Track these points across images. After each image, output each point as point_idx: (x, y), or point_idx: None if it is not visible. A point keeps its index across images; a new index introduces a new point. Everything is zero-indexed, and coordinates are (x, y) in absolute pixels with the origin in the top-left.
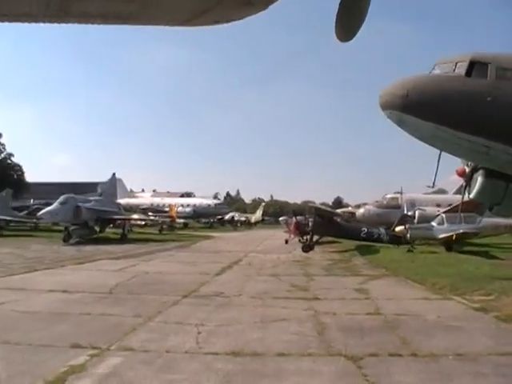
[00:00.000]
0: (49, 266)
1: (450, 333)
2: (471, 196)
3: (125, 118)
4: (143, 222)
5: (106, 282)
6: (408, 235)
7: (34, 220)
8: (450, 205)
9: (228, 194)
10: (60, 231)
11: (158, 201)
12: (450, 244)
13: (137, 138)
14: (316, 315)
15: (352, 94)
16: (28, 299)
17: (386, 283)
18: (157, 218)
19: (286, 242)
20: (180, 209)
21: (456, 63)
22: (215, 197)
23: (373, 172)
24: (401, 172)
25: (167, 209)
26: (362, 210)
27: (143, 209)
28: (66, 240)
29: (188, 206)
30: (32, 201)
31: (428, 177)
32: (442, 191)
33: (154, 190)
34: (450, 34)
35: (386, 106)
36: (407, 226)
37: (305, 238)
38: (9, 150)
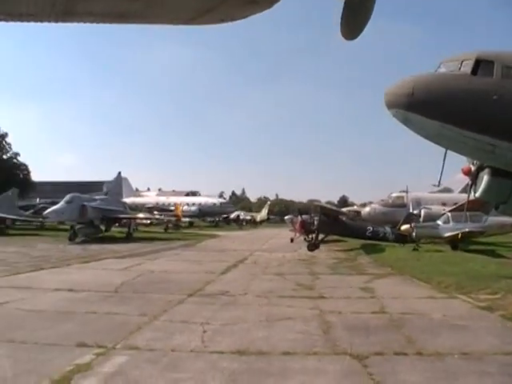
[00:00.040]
0: (55, 264)
1: (455, 332)
2: (477, 195)
3: (130, 118)
4: (149, 221)
5: (112, 281)
6: (414, 234)
7: (40, 219)
8: (455, 203)
9: (233, 193)
10: (66, 230)
11: (163, 200)
12: (455, 243)
13: (142, 137)
14: (321, 314)
15: (357, 93)
16: (34, 298)
17: (391, 282)
18: (162, 216)
19: (292, 240)
20: (185, 208)
21: (462, 61)
22: (220, 196)
23: (378, 171)
24: (406, 171)
25: (172, 208)
26: (367, 209)
27: (149, 208)
28: (71, 239)
29: (193, 204)
30: (38, 200)
31: (434, 175)
32: (447, 190)
33: (159, 189)
34: (451, 33)
35: (392, 105)
36: (413, 225)
37: (310, 236)
38: (15, 149)
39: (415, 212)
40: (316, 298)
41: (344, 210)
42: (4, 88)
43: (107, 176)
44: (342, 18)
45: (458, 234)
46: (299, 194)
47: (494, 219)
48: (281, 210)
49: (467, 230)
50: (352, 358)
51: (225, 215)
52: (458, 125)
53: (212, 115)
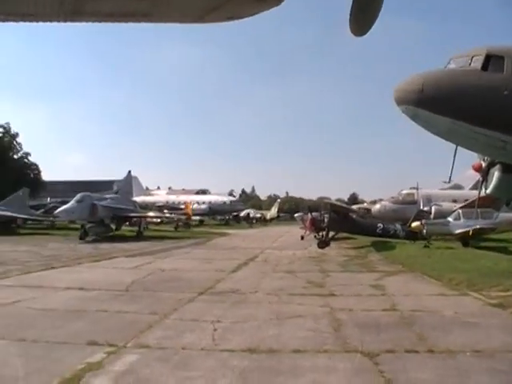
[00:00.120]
0: (65, 263)
1: (467, 329)
2: (488, 191)
3: (139, 117)
4: (159, 220)
5: (122, 280)
6: (424, 231)
7: (51, 218)
8: (466, 200)
9: (243, 191)
10: (76, 229)
11: (173, 198)
12: (466, 239)
13: (151, 136)
14: (332, 312)
15: (366, 89)
16: (45, 297)
17: (402, 279)
18: (172, 215)
19: (302, 238)
20: (195, 206)
21: (472, 57)
22: (230, 194)
23: (388, 168)
24: (417, 168)
25: (183, 206)
26: (377, 206)
27: (159, 206)
28: (82, 238)
29: (203, 203)
30: (49, 199)
31: (444, 172)
32: (458, 186)
33: (169, 188)
34: (457, 28)
35: (401, 101)
36: (423, 222)
37: (320, 234)
38: (25, 149)
39: (426, 209)
40: (326, 296)
41: (354, 207)
42: (13, 88)
43: (117, 175)
44: (350, 15)
45: (469, 231)
46: (309, 192)
47: (506, 215)
48: (291, 208)
49: (478, 226)
50: (363, 355)
51: (235, 213)
52: (468, 121)
53: (221, 114)
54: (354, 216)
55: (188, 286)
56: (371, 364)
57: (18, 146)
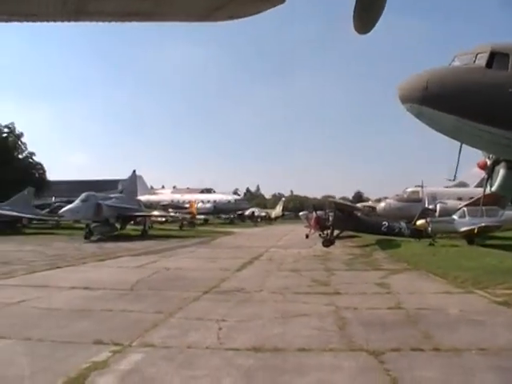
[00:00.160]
0: (70, 263)
1: (472, 327)
2: (493, 189)
3: (142, 116)
4: (163, 219)
5: (127, 279)
6: (429, 229)
7: (56, 218)
8: (471, 198)
9: (248, 190)
10: (81, 228)
11: (178, 197)
12: (471, 237)
13: (155, 135)
14: (337, 310)
15: (370, 87)
16: (50, 296)
17: (407, 277)
18: (177, 214)
19: (307, 236)
20: (200, 205)
21: (476, 54)
22: (235, 192)
23: (393, 166)
24: (421, 165)
25: (187, 205)
26: (382, 204)
27: (163, 205)
28: (87, 237)
29: (208, 202)
30: (53, 199)
31: (449, 170)
32: (463, 184)
33: (174, 187)
34: (460, 27)
35: (406, 99)
36: (428, 220)
37: (325, 232)
38: (29, 149)
39: (431, 207)
40: (331, 294)
41: (359, 205)
42: (16, 88)
43: (121, 174)
44: (354, 12)
45: (474, 229)
46: (314, 190)
47: (511, 213)
48: (295, 207)
49: (483, 224)
50: (368, 354)
51: (239, 212)
52: (473, 118)
53: (224, 113)
54: (359, 214)
55: (193, 284)
56: (376, 362)
57: (22, 146)
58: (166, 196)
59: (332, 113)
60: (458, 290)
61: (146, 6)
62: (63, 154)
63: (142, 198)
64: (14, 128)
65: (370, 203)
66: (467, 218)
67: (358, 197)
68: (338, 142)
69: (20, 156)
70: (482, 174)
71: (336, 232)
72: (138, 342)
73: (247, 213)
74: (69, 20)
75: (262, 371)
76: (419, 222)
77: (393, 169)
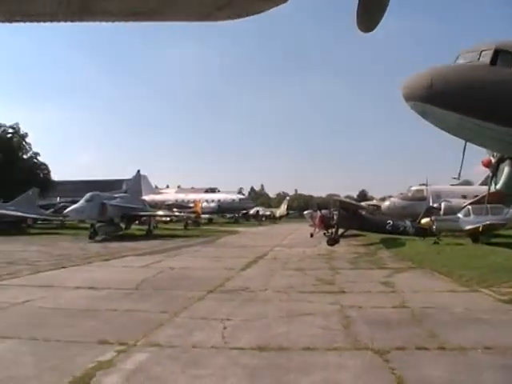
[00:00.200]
0: (75, 262)
1: (477, 325)
2: (498, 187)
3: (147, 116)
4: (168, 218)
5: (132, 278)
6: (434, 227)
7: (61, 218)
8: (476, 196)
9: (252, 189)
10: (86, 228)
11: (182, 197)
12: (476, 236)
13: (160, 135)
14: (342, 309)
15: (375, 86)
16: (55, 296)
17: (412, 276)
18: (182, 213)
19: (311, 235)
20: (204, 204)
21: (480, 52)
22: (239, 192)
23: (398, 164)
24: (426, 164)
25: (192, 204)
26: (387, 203)
27: (168, 205)
28: (91, 237)
29: (212, 201)
30: (58, 199)
31: (453, 168)
32: (467, 182)
33: (178, 186)
34: (462, 26)
35: (409, 97)
36: (433, 218)
37: (330, 231)
38: (34, 149)
39: (435, 205)
40: (336, 293)
41: (363, 204)
42: (21, 88)
43: (126, 174)
44: (357, 10)
45: (478, 227)
46: (318, 189)
47: None
48: (300, 206)
49: (488, 222)
50: (373, 352)
51: (244, 211)
52: (477, 116)
53: (229, 112)
54: (364, 213)
55: (198, 284)
56: (381, 361)
57: (27, 146)
58: (170, 196)
59: (337, 112)
60: (463, 289)
61: (150, 5)
62: (69, 154)
63: (147, 197)
64: (19, 128)
65: (374, 202)
66: (472, 216)
67: (363, 195)
68: (342, 141)
69: (25, 156)
70: (487, 171)
71: (340, 231)
72: (143, 341)
73: (252, 212)
74: (73, 20)
75: (267, 370)
76: (424, 221)
77: (397, 167)
